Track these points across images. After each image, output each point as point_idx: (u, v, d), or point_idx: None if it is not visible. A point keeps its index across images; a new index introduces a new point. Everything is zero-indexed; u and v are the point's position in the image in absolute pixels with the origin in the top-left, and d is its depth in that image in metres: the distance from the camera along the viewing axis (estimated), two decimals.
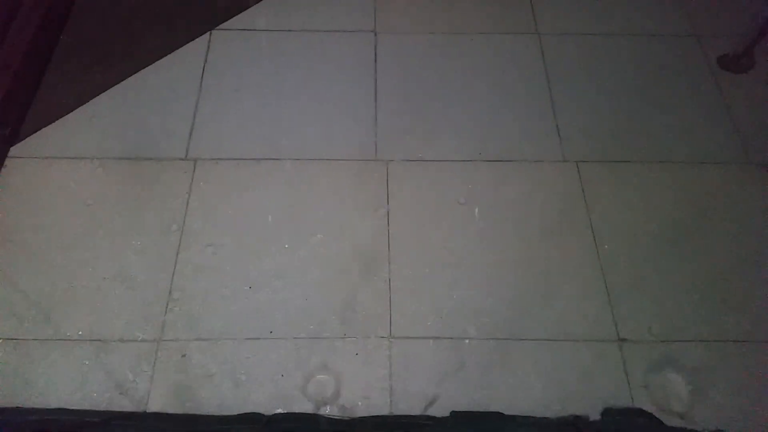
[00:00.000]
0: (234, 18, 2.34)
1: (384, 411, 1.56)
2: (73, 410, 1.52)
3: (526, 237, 1.85)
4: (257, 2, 2.39)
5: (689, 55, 2.29)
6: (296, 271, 1.77)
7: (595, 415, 1.55)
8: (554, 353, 1.66)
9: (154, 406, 1.56)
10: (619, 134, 2.08)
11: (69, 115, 2.07)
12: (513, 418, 1.53)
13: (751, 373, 1.63)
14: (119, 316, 1.68)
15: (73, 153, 1.98)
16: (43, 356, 1.62)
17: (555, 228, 1.87)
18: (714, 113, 2.13)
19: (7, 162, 1.95)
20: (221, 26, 2.32)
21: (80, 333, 1.65)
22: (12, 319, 1.67)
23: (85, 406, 1.55)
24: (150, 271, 1.76)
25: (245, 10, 2.36)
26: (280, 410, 1.55)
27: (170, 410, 1.55)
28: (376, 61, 2.25)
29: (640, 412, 1.55)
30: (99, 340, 1.65)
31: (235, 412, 1.54)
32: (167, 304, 1.71)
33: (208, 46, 2.26)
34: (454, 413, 1.54)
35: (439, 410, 1.56)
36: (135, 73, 2.18)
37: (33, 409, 1.53)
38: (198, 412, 1.55)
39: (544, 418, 1.54)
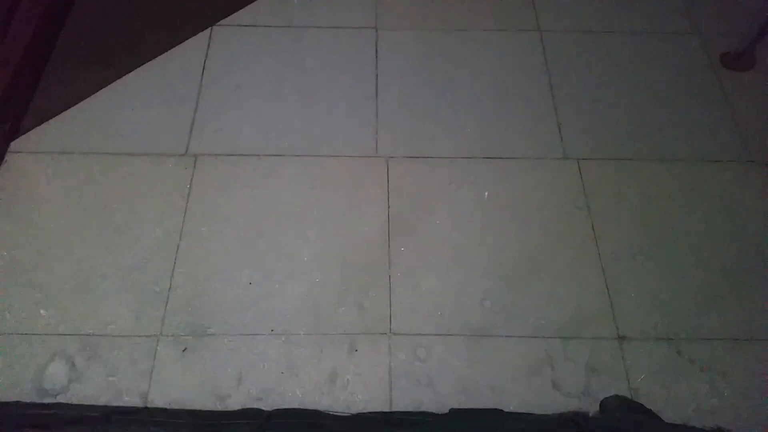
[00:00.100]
0: (235, 14, 2.34)
1: (383, 407, 1.56)
2: (72, 405, 1.52)
3: (526, 234, 1.85)
4: None
5: (691, 53, 2.28)
6: (296, 267, 1.77)
7: (594, 412, 1.55)
8: (554, 350, 1.66)
9: (155, 401, 1.56)
10: (621, 132, 2.07)
11: (69, 110, 2.07)
12: (512, 414, 1.53)
13: (752, 370, 1.63)
14: (119, 311, 1.69)
15: (73, 148, 1.98)
16: (42, 350, 1.62)
17: (555, 225, 1.87)
18: (715, 111, 2.13)
19: (7, 157, 1.95)
20: (222, 22, 2.32)
21: (79, 328, 1.65)
22: (10, 313, 1.67)
23: (85, 400, 1.55)
24: (150, 266, 1.76)
25: (246, 6, 2.36)
26: (280, 406, 1.55)
27: (170, 405, 1.55)
28: (376, 57, 2.24)
29: (640, 409, 1.54)
30: (99, 334, 1.65)
31: (236, 408, 1.54)
32: (167, 300, 1.71)
33: (209, 43, 2.26)
34: (452, 410, 1.54)
35: (438, 407, 1.56)
36: (135, 69, 2.18)
37: (32, 403, 1.53)
38: (198, 408, 1.55)
39: (544, 414, 1.54)
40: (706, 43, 2.30)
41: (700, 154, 2.02)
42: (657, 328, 1.70)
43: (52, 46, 2.23)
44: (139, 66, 2.18)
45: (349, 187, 1.93)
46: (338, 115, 2.09)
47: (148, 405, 1.55)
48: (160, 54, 2.22)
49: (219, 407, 1.55)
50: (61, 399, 1.54)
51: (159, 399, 1.56)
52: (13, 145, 1.98)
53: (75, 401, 1.54)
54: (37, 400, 1.54)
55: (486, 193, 1.92)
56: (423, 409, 1.56)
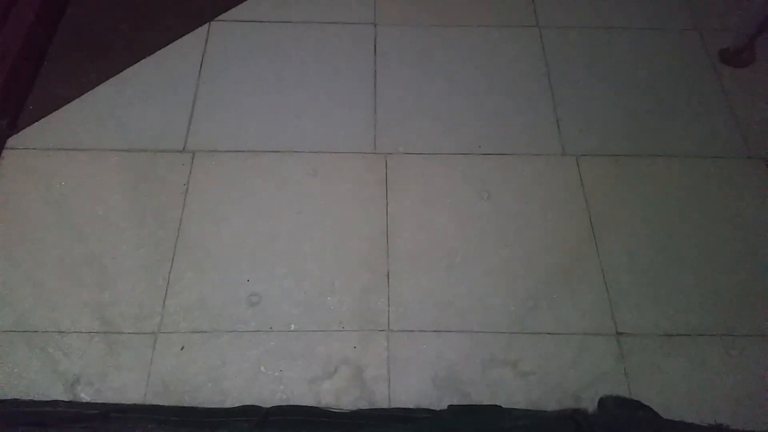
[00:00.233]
0: (233, 9, 2.33)
1: (382, 404, 1.56)
2: (70, 402, 1.52)
3: (525, 230, 1.85)
4: None
5: (690, 49, 2.28)
6: (294, 263, 1.77)
7: (593, 409, 1.55)
8: (552, 347, 1.66)
9: (153, 398, 1.56)
10: (620, 128, 2.07)
11: (67, 106, 2.06)
12: (511, 411, 1.52)
13: (751, 367, 1.64)
14: (117, 307, 1.68)
15: (71, 144, 1.97)
16: (40, 347, 1.61)
17: (554, 222, 1.87)
18: (715, 107, 2.12)
19: (4, 153, 1.95)
20: (220, 18, 2.31)
21: (78, 324, 1.65)
22: (8, 308, 1.67)
23: (83, 398, 1.55)
24: (148, 263, 1.75)
25: (244, 1, 2.35)
26: (278, 403, 1.55)
27: (168, 402, 1.55)
28: (375, 53, 2.24)
29: (639, 405, 1.54)
30: (97, 331, 1.64)
31: (234, 405, 1.54)
32: (165, 297, 1.70)
33: (207, 38, 2.25)
34: (451, 406, 1.54)
35: (437, 403, 1.56)
36: (133, 64, 2.17)
37: (30, 401, 1.52)
38: (196, 404, 1.55)
39: (543, 411, 1.54)
40: (706, 40, 2.30)
41: (699, 151, 2.02)
42: (655, 324, 1.70)
43: (49, 41, 2.22)
44: (137, 62, 2.17)
45: (347, 183, 1.92)
46: (337, 112, 2.08)
47: (146, 402, 1.55)
48: (158, 50, 2.21)
49: (217, 404, 1.55)
50: (59, 397, 1.54)
51: (157, 396, 1.56)
52: (10, 141, 1.97)
53: (72, 398, 1.54)
54: (35, 398, 1.53)
55: (485, 190, 1.92)
56: (422, 405, 1.56)
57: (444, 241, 1.82)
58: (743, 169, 1.98)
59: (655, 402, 1.55)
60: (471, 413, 1.53)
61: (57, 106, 2.05)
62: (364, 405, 1.56)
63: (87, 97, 2.08)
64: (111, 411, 1.50)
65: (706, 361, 1.64)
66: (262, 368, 1.61)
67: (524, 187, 1.93)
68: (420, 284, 1.75)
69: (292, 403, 1.55)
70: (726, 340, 1.68)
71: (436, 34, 2.29)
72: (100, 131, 2.00)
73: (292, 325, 1.68)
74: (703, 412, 1.56)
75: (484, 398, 1.57)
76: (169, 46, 2.22)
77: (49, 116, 2.03)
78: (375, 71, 2.19)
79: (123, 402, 1.54)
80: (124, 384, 1.57)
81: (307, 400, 1.56)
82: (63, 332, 1.64)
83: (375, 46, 2.26)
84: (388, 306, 1.71)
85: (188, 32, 2.26)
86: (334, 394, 1.58)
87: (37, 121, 2.02)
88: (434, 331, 1.68)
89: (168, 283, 1.73)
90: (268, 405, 1.54)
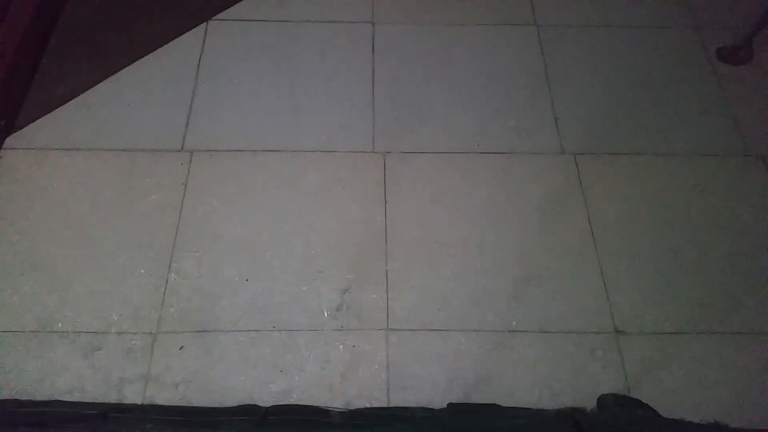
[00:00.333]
0: (231, 8, 2.32)
1: (381, 403, 1.56)
2: (69, 402, 1.52)
3: (523, 229, 1.85)
4: None
5: (688, 47, 2.28)
6: (293, 263, 1.77)
7: (592, 408, 1.56)
8: (551, 345, 1.66)
9: (152, 398, 1.56)
10: (617, 126, 2.07)
11: (65, 105, 2.05)
12: (510, 409, 1.53)
13: (749, 365, 1.64)
14: (116, 308, 1.68)
15: (69, 144, 1.97)
16: (39, 348, 1.61)
17: (552, 220, 1.87)
18: (712, 105, 2.13)
19: (2, 153, 1.94)
20: (218, 17, 2.30)
21: (77, 325, 1.65)
22: (7, 310, 1.66)
23: (82, 398, 1.54)
24: (147, 263, 1.75)
25: (241, 0, 2.34)
26: (277, 402, 1.55)
27: (168, 402, 1.55)
28: (373, 52, 2.23)
29: (639, 404, 1.55)
30: (96, 332, 1.64)
31: (233, 404, 1.54)
32: (164, 297, 1.70)
33: (205, 37, 2.24)
34: (450, 405, 1.54)
35: (436, 402, 1.57)
36: (131, 63, 2.17)
37: (29, 401, 1.52)
38: (195, 404, 1.55)
39: (542, 409, 1.54)
40: (703, 37, 2.30)
41: (697, 149, 2.02)
42: (654, 322, 1.70)
43: (47, 40, 2.21)
44: (135, 61, 2.17)
45: (345, 182, 1.92)
46: (335, 111, 2.08)
47: (146, 402, 1.55)
48: (156, 49, 2.21)
49: (217, 404, 1.55)
50: (58, 396, 1.54)
51: (156, 396, 1.56)
52: (8, 141, 1.97)
53: (71, 398, 1.54)
54: (34, 398, 1.53)
55: (483, 189, 1.92)
56: (421, 404, 1.56)
57: (443, 239, 1.82)
58: (741, 167, 1.99)
59: (654, 400, 1.56)
60: (470, 412, 1.53)
61: (55, 106, 2.05)
62: (363, 404, 1.56)
63: (85, 96, 2.08)
64: (110, 411, 1.50)
65: (705, 360, 1.64)
66: (262, 368, 1.61)
67: (523, 186, 1.93)
68: (419, 283, 1.75)
69: (291, 403, 1.55)
70: (725, 338, 1.68)
71: (434, 33, 2.29)
72: (98, 131, 2.00)
73: (290, 325, 1.68)
74: (703, 410, 1.57)
75: (483, 397, 1.58)
76: (166, 45, 2.22)
77: (47, 116, 2.03)
78: (373, 70, 2.19)
79: (122, 402, 1.54)
80: (124, 384, 1.57)
81: (306, 400, 1.56)
82: (59, 332, 1.64)
83: (373, 44, 2.25)
84: (387, 305, 1.71)
85: (186, 31, 2.26)
86: (334, 393, 1.58)
87: (35, 120, 2.02)
88: (433, 329, 1.68)
89: (167, 282, 1.73)
90: (267, 405, 1.54)
